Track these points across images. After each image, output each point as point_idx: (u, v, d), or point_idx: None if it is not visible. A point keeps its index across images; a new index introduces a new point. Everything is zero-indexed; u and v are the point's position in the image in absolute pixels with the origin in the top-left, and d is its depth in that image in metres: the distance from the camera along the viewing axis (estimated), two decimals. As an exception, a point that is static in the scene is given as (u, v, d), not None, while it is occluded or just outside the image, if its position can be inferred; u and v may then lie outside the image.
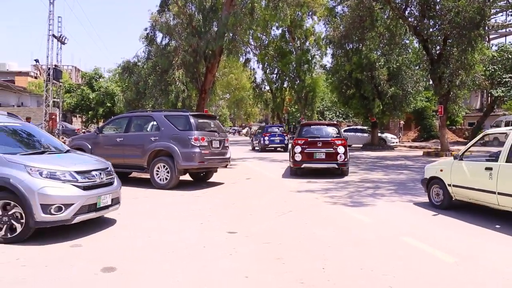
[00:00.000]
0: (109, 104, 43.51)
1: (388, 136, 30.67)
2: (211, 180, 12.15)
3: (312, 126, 14.19)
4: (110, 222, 6.59)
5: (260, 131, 29.72)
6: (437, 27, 20.66)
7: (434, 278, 4.35)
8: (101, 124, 33.70)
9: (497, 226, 6.51)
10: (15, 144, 6.27)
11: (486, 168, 6.77)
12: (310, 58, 36.78)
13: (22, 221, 5.42)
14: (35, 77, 50.59)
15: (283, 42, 38.00)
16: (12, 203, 5.41)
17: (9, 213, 5.42)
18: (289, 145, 19.60)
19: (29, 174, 5.45)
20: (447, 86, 21.02)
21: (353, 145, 29.72)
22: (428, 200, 8.42)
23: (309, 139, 12.84)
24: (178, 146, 10.26)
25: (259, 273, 4.51)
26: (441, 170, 8.05)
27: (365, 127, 31.29)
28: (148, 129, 11.31)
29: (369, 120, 28.91)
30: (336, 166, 12.71)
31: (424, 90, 30.86)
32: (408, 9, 21.81)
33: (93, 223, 6.37)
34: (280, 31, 37.46)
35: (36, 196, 5.33)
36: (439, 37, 20.61)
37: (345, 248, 5.41)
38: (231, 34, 18.87)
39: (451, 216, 7.30)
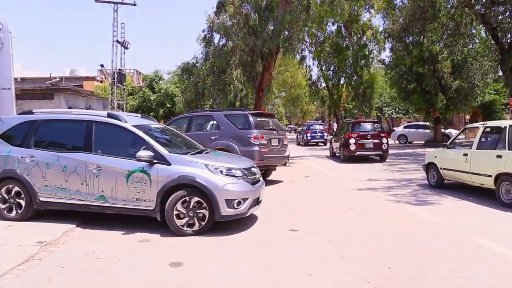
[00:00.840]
0: (169, 105, 44.99)
1: (452, 132, 29.14)
2: (269, 178, 12.22)
3: (360, 124, 17.66)
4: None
5: (304, 128, 33.67)
6: (508, 13, 19.31)
7: (512, 282, 4.11)
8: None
9: None
10: (175, 145, 6.86)
11: (464, 154, 8.79)
12: (367, 53, 35.80)
13: (205, 215, 5.89)
14: (101, 81, 53.40)
15: (339, 38, 37.28)
16: (197, 198, 5.87)
17: (194, 208, 5.89)
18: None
19: (211, 172, 5.94)
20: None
21: (414, 142, 28.61)
22: (496, 199, 7.91)
23: (361, 133, 16.48)
24: (237, 145, 10.43)
25: (323, 271, 4.49)
26: (435, 157, 10.06)
27: (427, 123, 30.00)
28: (208, 129, 11.57)
29: (431, 115, 27.67)
30: (381, 153, 16.65)
31: (492, 82, 29.03)
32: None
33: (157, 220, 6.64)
34: (335, 26, 36.79)
35: (221, 192, 5.81)
36: (510, 25, 19.24)
37: (411, 248, 5.24)
38: (287, 32, 18.84)
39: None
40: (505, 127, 7.84)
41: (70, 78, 51.77)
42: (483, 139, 8.59)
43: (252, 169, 6.58)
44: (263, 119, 11.63)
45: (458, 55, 25.27)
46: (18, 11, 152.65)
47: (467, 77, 25.50)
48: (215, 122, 11.24)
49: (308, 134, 30.91)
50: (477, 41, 25.06)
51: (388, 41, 29.19)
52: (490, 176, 7.89)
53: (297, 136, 36.61)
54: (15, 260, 4.71)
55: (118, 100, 34.22)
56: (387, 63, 30.37)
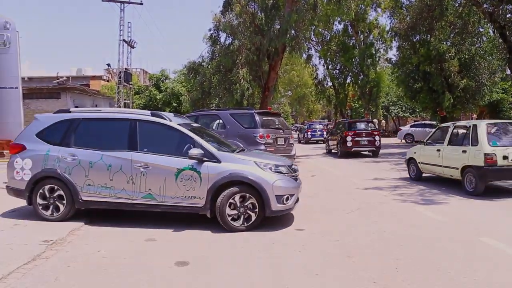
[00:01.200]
0: (175, 104, 45.07)
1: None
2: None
3: (356, 123, 19.81)
4: (179, 217, 6.82)
5: (305, 127, 37.05)
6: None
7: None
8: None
9: None
10: (219, 143, 6.87)
11: (437, 150, 10.05)
12: (374, 52, 35.62)
13: (255, 210, 6.05)
14: (107, 80, 53.64)
15: (346, 37, 37.15)
16: (248, 195, 6.02)
17: (245, 204, 6.04)
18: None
19: (261, 169, 6.13)
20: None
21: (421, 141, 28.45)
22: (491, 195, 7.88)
23: (356, 131, 18.44)
24: (244, 144, 10.38)
25: (329, 271, 4.47)
26: (414, 153, 11.27)
27: (434, 122, 29.79)
28: (214, 127, 11.58)
29: (438, 114, 27.46)
30: (374, 149, 18.59)
31: (500, 81, 28.76)
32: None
33: (165, 219, 6.65)
34: (342, 25, 36.68)
35: (272, 189, 6.00)
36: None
37: (418, 248, 5.20)
38: (293, 31, 18.83)
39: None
40: (470, 126, 9.11)
41: (76, 77, 52.06)
42: (453, 137, 9.84)
43: (293, 166, 6.74)
44: (269, 118, 11.63)
45: (465, 54, 25.05)
46: (25, 11, 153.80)
47: (474, 76, 25.28)
48: (221, 121, 11.27)
49: (309, 133, 33.80)
50: (484, 39, 24.83)
51: (394, 39, 28.99)
52: (457, 168, 9.15)
53: (298, 135, 39.64)
54: (21, 259, 4.73)
55: (125, 99, 34.36)
56: (393, 62, 30.22)
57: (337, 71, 40.56)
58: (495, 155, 8.27)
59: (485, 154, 8.31)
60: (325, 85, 43.17)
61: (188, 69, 22.57)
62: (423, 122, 33.06)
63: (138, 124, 6.38)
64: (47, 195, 6.44)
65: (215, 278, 4.28)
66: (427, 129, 29.39)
